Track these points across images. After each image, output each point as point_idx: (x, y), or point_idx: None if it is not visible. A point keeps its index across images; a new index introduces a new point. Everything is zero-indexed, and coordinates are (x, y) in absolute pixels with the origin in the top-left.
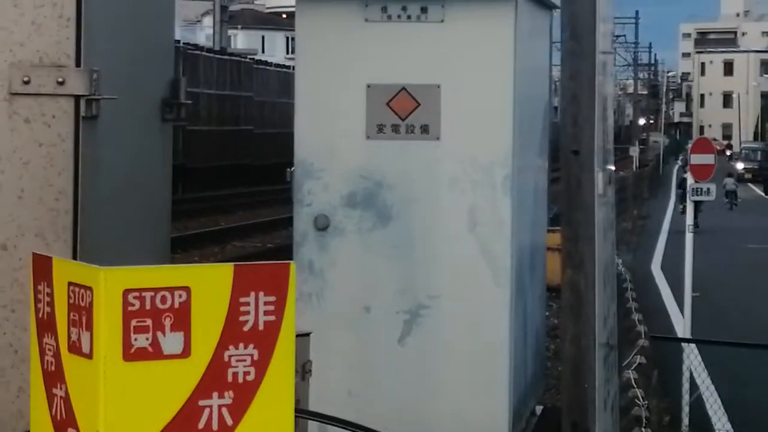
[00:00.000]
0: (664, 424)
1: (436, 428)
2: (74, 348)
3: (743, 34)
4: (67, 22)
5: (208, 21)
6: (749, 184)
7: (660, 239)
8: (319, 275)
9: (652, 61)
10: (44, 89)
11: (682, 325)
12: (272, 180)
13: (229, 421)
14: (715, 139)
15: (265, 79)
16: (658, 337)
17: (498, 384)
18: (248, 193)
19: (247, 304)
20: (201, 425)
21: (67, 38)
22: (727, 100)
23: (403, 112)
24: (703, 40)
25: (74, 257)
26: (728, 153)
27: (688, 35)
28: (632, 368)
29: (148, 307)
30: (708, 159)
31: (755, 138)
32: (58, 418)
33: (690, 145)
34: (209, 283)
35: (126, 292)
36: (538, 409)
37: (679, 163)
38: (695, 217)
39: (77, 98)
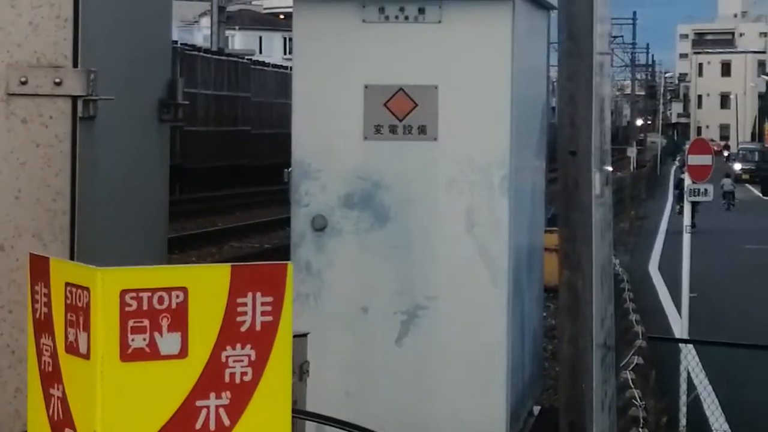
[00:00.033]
0: (661, 425)
1: (434, 429)
2: (71, 348)
3: (741, 34)
4: (64, 23)
5: (205, 21)
6: (747, 185)
7: (657, 240)
8: (317, 276)
9: (650, 62)
10: (41, 90)
11: (679, 325)
12: (269, 180)
13: (227, 422)
14: (712, 140)
15: (263, 80)
16: (656, 338)
17: (495, 384)
18: (245, 194)
19: (245, 304)
20: (198, 426)
21: (65, 39)
22: (724, 100)
23: (400, 112)
24: (700, 41)
25: (71, 258)
26: (726, 154)
27: (686, 36)
28: (630, 369)
29: (145, 307)
30: (705, 160)
31: (752, 139)
32: (56, 418)
33: (687, 146)
34: (206, 284)
35: (123, 292)
36: (536, 409)
37: (677, 163)
38: (692, 217)
39: (74, 99)
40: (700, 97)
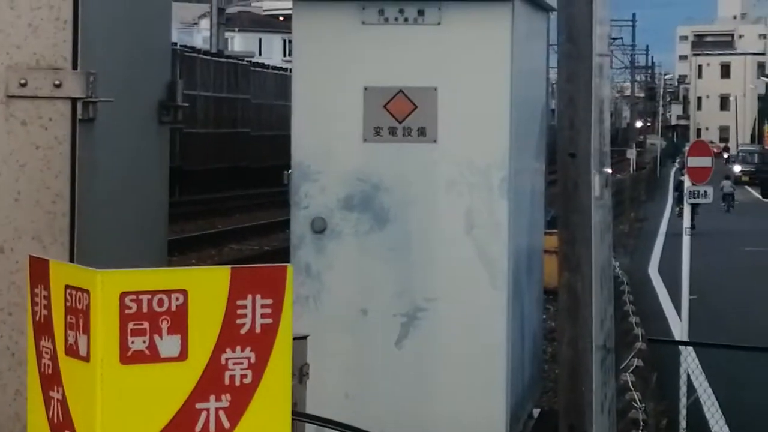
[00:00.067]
0: (661, 427)
1: (433, 431)
2: (71, 351)
3: (740, 36)
4: (63, 25)
5: (205, 23)
6: (746, 187)
7: (657, 242)
8: (316, 278)
9: (649, 64)
10: (41, 92)
11: (679, 327)
12: (269, 183)
13: (227, 424)
14: (712, 142)
15: (262, 82)
16: (656, 340)
17: (495, 387)
18: (245, 196)
19: (244, 307)
20: (198, 428)
21: (64, 41)
22: (724, 102)
23: (400, 114)
24: (700, 43)
25: (71, 260)
26: (725, 156)
27: (685, 38)
28: (629, 371)
29: (145, 309)
30: (705, 162)
31: (752, 141)
32: (55, 421)
33: (687, 148)
34: (206, 286)
35: (123, 294)
36: (536, 411)
37: (676, 165)
38: (692, 219)
39: (74, 101)
40: (699, 98)
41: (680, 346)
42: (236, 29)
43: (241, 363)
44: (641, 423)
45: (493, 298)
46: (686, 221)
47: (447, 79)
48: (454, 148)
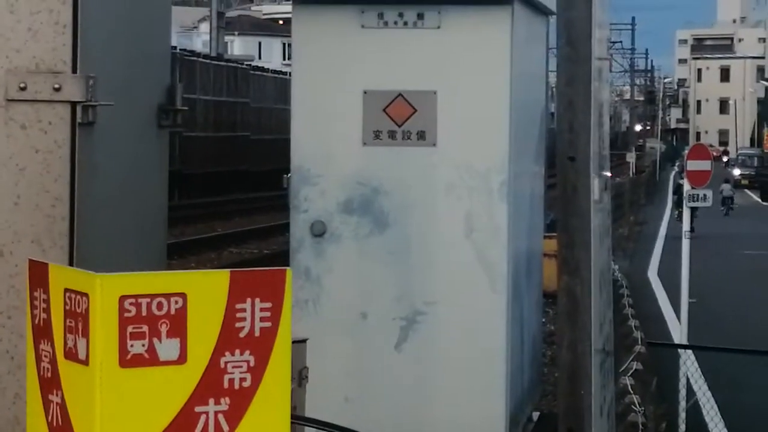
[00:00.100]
0: (660, 430)
1: None
2: (70, 354)
3: (740, 40)
4: (63, 29)
5: (204, 27)
6: (746, 190)
7: (656, 245)
8: (316, 281)
9: (649, 68)
10: (41, 95)
11: (678, 331)
12: (269, 186)
13: (225, 428)
14: (711, 146)
15: (262, 86)
16: (655, 344)
17: (495, 390)
18: (245, 200)
19: (244, 310)
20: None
21: (64, 45)
22: (723, 106)
23: (399, 118)
24: (699, 47)
25: (70, 264)
26: (725, 159)
27: (685, 41)
28: (629, 374)
29: (144, 313)
30: (704, 165)
31: (752, 144)
32: (55, 424)
33: (686, 152)
34: (205, 290)
35: (122, 298)
36: (535, 415)
37: (676, 169)
38: (691, 222)
39: (74, 104)
40: (699, 102)
41: (679, 350)
42: (236, 33)
43: (241, 366)
44: (641, 426)
45: (493, 301)
46: (686, 224)
47: (446, 82)
48: (454, 152)
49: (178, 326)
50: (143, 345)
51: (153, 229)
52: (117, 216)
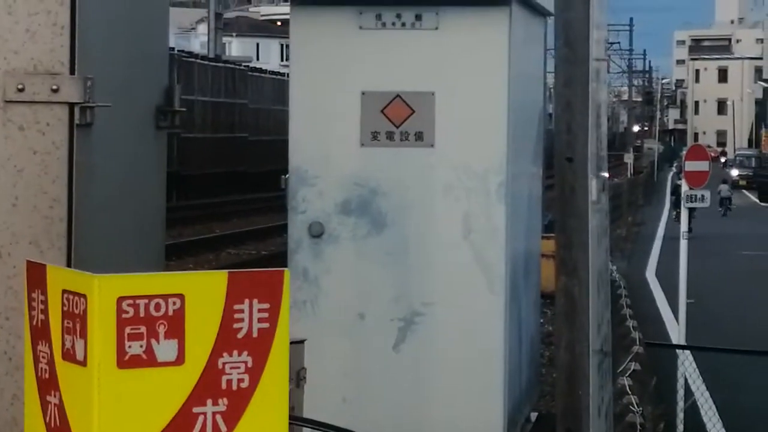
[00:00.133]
0: (658, 431)
1: None
2: (68, 355)
3: (737, 41)
4: (61, 30)
5: (202, 28)
6: (744, 191)
7: (654, 246)
8: (314, 282)
9: (647, 68)
10: (38, 97)
11: (676, 331)
12: (267, 187)
13: (223, 428)
14: (709, 146)
15: (260, 87)
16: (653, 344)
17: (493, 391)
18: (243, 201)
19: (241, 311)
20: None
21: (62, 46)
22: (721, 107)
23: (397, 119)
24: (697, 47)
25: (68, 265)
26: (723, 160)
27: (683, 42)
28: (627, 375)
29: (142, 314)
30: (702, 166)
31: (749, 145)
32: (53, 425)
33: (684, 152)
34: (203, 291)
35: (120, 299)
36: (533, 415)
37: (674, 170)
38: (689, 222)
39: (71, 106)
40: (697, 103)
41: (678, 350)
42: (234, 34)
43: (238, 367)
44: (639, 427)
45: (491, 302)
46: (683, 225)
47: (444, 83)
48: (452, 153)
49: (176, 327)
50: (141, 346)
51: (151, 230)
52: (115, 217)
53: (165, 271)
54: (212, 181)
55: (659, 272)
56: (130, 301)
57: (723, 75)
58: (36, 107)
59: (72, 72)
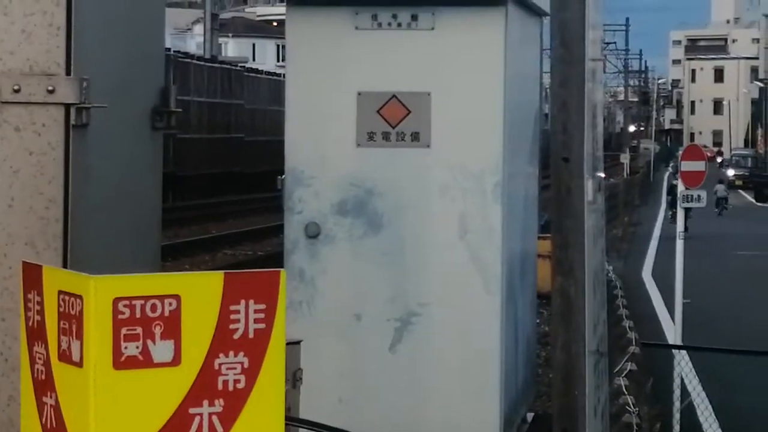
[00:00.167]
0: (655, 431)
1: None
2: (64, 356)
3: (733, 41)
4: (57, 31)
5: (198, 29)
6: (740, 191)
7: (651, 246)
8: (310, 283)
9: (643, 69)
10: (34, 98)
11: (673, 331)
12: (263, 188)
13: (220, 429)
14: (705, 146)
15: (256, 87)
16: (649, 344)
17: (489, 391)
18: (239, 201)
19: (237, 312)
20: None
21: (57, 47)
22: (717, 106)
23: (393, 119)
24: (693, 47)
25: (64, 266)
26: (719, 160)
27: (679, 42)
28: (623, 375)
29: (138, 315)
30: (699, 166)
31: (746, 145)
32: (49, 426)
33: (680, 152)
34: (199, 291)
35: (116, 300)
36: (529, 416)
37: (670, 170)
38: (684, 222)
39: (67, 106)
40: (693, 103)
41: (674, 350)
42: (230, 35)
43: (235, 368)
44: (635, 427)
45: (487, 303)
46: (680, 225)
47: (440, 84)
48: (448, 153)
49: (172, 328)
50: (137, 347)
51: (147, 231)
52: (111, 218)
53: (161, 272)
54: (208, 181)
55: (655, 272)
56: (126, 302)
57: (719, 75)
58: (32, 108)
59: (68, 73)
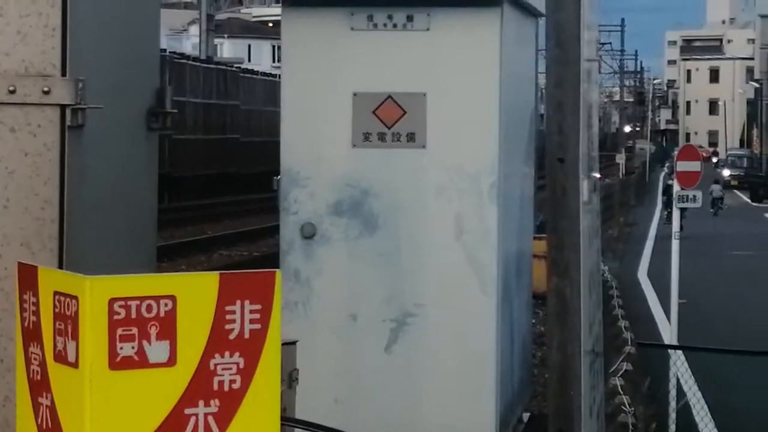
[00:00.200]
0: (650, 431)
1: None
2: (60, 357)
3: (729, 41)
4: (52, 32)
5: (194, 30)
6: (735, 191)
7: (646, 246)
8: (306, 283)
9: (638, 69)
10: (30, 99)
11: (668, 331)
12: (259, 188)
13: (215, 430)
14: (701, 146)
15: (252, 88)
16: (645, 344)
17: (485, 392)
18: (234, 202)
19: (233, 312)
20: None
21: (53, 48)
22: (713, 107)
23: (389, 120)
24: (688, 48)
25: (60, 266)
26: (714, 160)
27: (674, 43)
28: (619, 375)
29: (133, 315)
30: (694, 166)
31: (741, 145)
32: (44, 427)
33: (676, 153)
34: (195, 292)
35: (112, 300)
36: (525, 416)
37: (665, 170)
38: (680, 222)
39: (63, 107)
40: (688, 103)
41: (669, 350)
42: (225, 35)
43: (230, 368)
44: (630, 427)
45: (483, 303)
46: (675, 225)
47: (436, 84)
48: (444, 154)
49: (168, 328)
50: (133, 347)
51: (143, 231)
52: (106, 219)
53: (157, 273)
54: (204, 182)
55: (651, 272)
56: (122, 303)
57: (714, 75)
58: (27, 109)
59: (63, 74)
